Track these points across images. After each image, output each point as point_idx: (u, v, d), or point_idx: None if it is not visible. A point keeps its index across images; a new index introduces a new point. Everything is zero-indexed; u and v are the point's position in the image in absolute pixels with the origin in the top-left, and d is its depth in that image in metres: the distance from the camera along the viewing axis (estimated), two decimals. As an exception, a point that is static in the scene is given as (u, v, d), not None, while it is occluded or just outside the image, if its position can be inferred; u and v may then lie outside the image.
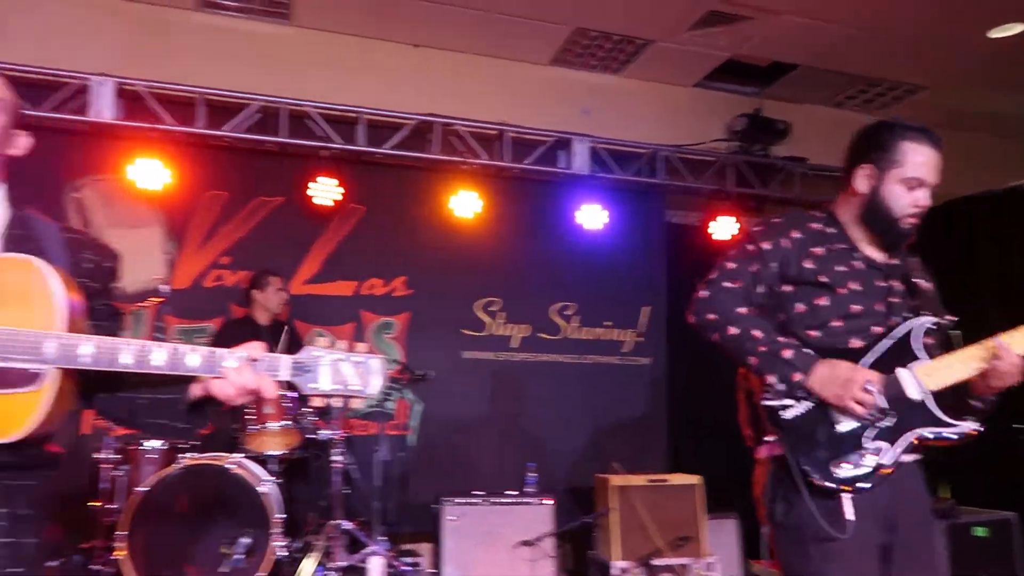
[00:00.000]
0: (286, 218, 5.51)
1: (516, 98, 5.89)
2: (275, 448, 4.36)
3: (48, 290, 1.43)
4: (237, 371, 1.47)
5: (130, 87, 4.86)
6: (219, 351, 1.48)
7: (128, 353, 1.42)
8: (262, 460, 4.30)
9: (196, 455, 4.01)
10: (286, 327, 5.01)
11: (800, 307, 2.19)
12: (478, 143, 5.56)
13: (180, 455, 4.21)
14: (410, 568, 4.70)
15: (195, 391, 1.56)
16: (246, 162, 5.46)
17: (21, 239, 1.57)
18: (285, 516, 4.02)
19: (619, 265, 6.22)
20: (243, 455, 4.16)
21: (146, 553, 3.77)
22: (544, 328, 6.09)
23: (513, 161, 5.64)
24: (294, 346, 5.15)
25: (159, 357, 1.43)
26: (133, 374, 1.47)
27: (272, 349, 1.59)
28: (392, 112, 5.36)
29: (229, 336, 4.98)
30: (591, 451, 5.91)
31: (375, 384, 1.51)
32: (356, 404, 1.56)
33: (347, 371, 1.50)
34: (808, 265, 2.20)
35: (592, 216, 5.82)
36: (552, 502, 5.04)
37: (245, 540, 3.73)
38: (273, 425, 4.24)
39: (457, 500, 4.93)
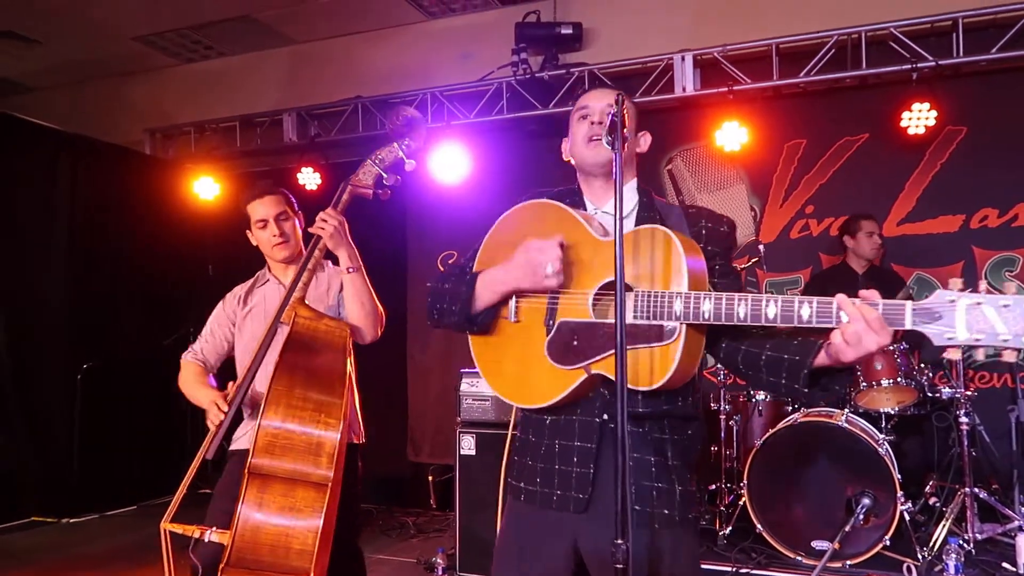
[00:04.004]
0: (872, 155, 5.10)
1: None
2: (887, 405, 4.11)
3: (674, 253, 1.56)
4: (855, 319, 1.39)
5: (706, 56, 5.08)
6: (834, 299, 1.42)
7: (743, 306, 1.48)
8: (873, 417, 4.10)
9: (807, 410, 4.03)
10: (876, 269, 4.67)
11: None
12: None
13: (788, 408, 4.31)
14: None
15: (820, 359, 1.52)
16: (824, 104, 5.22)
17: (649, 220, 1.77)
18: (900, 478, 3.76)
19: None
20: (851, 411, 4.02)
21: (765, 500, 3.96)
22: None
23: None
24: (889, 292, 4.78)
25: (771, 310, 1.46)
26: (755, 327, 1.53)
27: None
28: (999, 7, 4.44)
29: (822, 285, 4.87)
30: None
31: None
32: (1008, 357, 1.26)
33: (991, 316, 1.23)
34: None
35: None
36: None
37: (866, 500, 3.60)
38: (885, 382, 3.97)
39: None
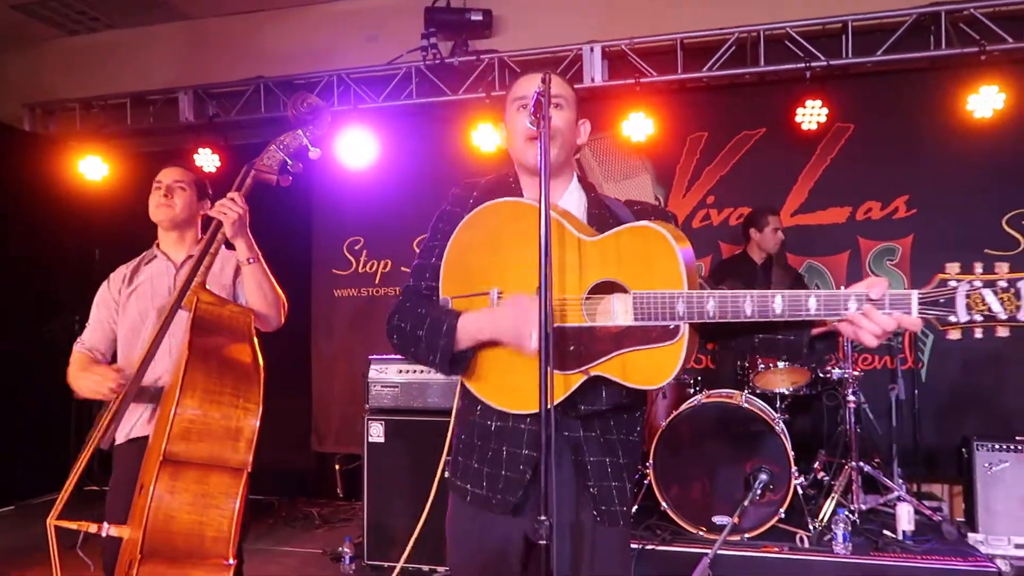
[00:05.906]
0: (768, 149, 5.33)
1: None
2: (782, 386, 4.32)
3: (668, 249, 1.52)
4: (866, 315, 1.40)
5: (614, 48, 5.17)
6: (840, 294, 1.41)
7: (749, 304, 1.45)
8: (769, 397, 4.30)
9: (709, 391, 4.18)
10: (773, 259, 4.89)
11: None
12: (999, 25, 4.58)
13: (691, 391, 4.45)
14: (937, 516, 4.25)
15: (817, 329, 1.54)
16: (725, 98, 5.41)
17: (603, 217, 1.75)
18: (794, 454, 3.97)
19: None
20: (749, 392, 4.20)
21: (669, 479, 4.09)
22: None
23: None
24: (784, 281, 5.05)
25: (779, 304, 1.44)
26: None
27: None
28: (884, 12, 4.73)
29: (725, 273, 5.06)
30: None
31: None
32: (1002, 332, 1.38)
33: (989, 298, 1.34)
34: None
35: None
36: None
37: (764, 476, 3.76)
38: (781, 363, 4.18)
39: (995, 445, 4.26)
